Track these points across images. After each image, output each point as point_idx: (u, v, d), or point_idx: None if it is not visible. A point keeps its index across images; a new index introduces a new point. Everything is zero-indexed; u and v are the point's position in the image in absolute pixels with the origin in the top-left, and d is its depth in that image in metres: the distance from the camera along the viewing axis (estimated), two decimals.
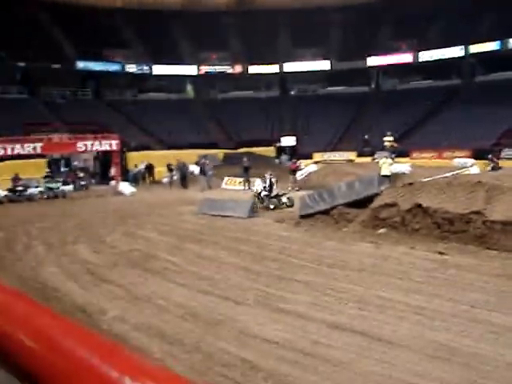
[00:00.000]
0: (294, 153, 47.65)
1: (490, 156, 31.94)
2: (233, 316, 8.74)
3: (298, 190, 27.18)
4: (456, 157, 38.92)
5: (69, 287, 11.14)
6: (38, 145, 30.70)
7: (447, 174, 18.86)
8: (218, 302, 9.51)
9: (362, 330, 7.80)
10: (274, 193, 22.41)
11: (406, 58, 55.69)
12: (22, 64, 49.40)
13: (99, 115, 47.37)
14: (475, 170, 26.49)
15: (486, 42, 50.23)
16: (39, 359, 0.69)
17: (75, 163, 39.41)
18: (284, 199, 22.29)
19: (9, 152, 29.88)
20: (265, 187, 22.54)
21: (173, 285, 10.92)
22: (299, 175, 32.69)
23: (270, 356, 7.06)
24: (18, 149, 29.89)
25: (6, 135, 33.03)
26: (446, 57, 52.95)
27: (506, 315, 8.13)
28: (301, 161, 33.93)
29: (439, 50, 52.98)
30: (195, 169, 36.78)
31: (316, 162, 41.53)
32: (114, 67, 55.22)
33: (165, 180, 36.74)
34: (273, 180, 22.52)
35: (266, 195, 22.27)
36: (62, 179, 33.98)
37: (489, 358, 6.66)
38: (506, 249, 12.09)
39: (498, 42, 50.13)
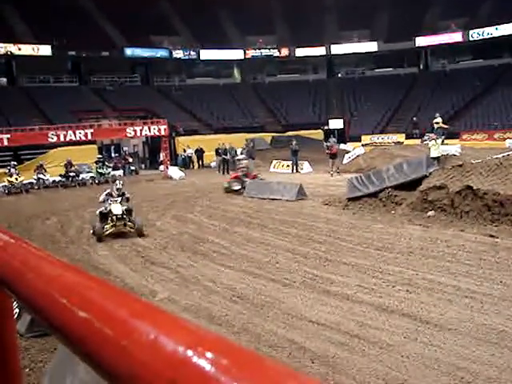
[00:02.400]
0: (343, 135, 47.33)
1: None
2: (280, 298, 8.83)
3: (338, 173, 26.90)
4: (508, 138, 37.97)
5: (120, 269, 11.44)
6: (89, 131, 31.35)
7: (498, 156, 18.45)
8: (265, 284, 9.62)
9: (409, 313, 7.78)
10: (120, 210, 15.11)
11: (455, 37, 54.24)
12: (72, 53, 50.25)
13: (148, 101, 47.86)
14: None
15: None
16: (92, 330, 0.73)
17: (125, 149, 40.01)
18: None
19: (61, 139, 30.63)
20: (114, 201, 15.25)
21: (221, 267, 11.07)
22: (347, 158, 32.47)
23: (317, 337, 7.12)
24: (70, 135, 30.60)
25: (58, 122, 33.88)
26: (498, 34, 51.34)
27: None
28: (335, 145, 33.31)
29: (490, 27, 51.38)
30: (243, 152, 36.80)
31: (364, 145, 41.14)
32: (161, 53, 55.58)
33: (213, 164, 36.97)
34: (127, 194, 15.80)
35: (118, 216, 14.99)
36: (112, 165, 34.63)
37: None
38: None
39: None
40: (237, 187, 22.67)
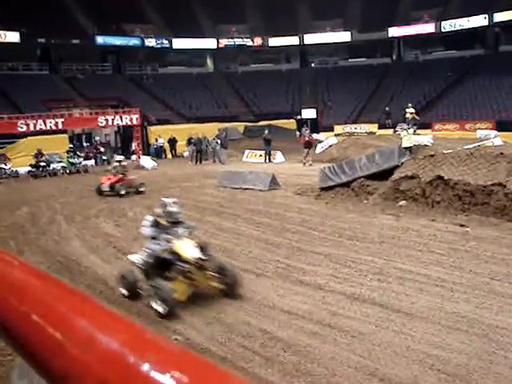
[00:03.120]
0: (315, 125, 47.44)
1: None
2: (253, 287, 8.82)
3: (310, 165, 26.94)
4: (479, 128, 38.44)
5: (91, 260, 11.32)
6: (60, 120, 30.87)
7: (469, 146, 18.66)
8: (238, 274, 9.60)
9: (381, 302, 7.84)
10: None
11: (428, 28, 54.61)
12: (41, 40, 49.37)
13: (119, 90, 47.40)
14: (498, 141, 26.14)
15: (510, 9, 48.95)
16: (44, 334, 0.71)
17: (97, 138, 39.55)
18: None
19: (31, 128, 30.11)
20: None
21: None
22: (319, 148, 32.55)
23: (290, 327, 7.14)
24: (41, 125, 30.10)
25: (28, 111, 33.31)
26: (470, 26, 51.88)
27: None
28: (313, 134, 33.28)
29: (462, 19, 51.87)
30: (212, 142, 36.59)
31: (336, 135, 41.27)
32: (133, 42, 54.95)
33: (186, 154, 36.79)
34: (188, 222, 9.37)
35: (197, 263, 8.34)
36: (83, 154, 34.25)
37: (508, 330, 6.67)
38: None
39: None
40: (123, 191, 20.64)
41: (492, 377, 5.64)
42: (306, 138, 28.81)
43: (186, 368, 0.55)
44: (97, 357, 0.58)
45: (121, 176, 21.44)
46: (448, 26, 53.29)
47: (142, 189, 21.42)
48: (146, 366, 0.54)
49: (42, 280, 0.80)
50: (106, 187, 21.00)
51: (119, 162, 22.36)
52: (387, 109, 47.00)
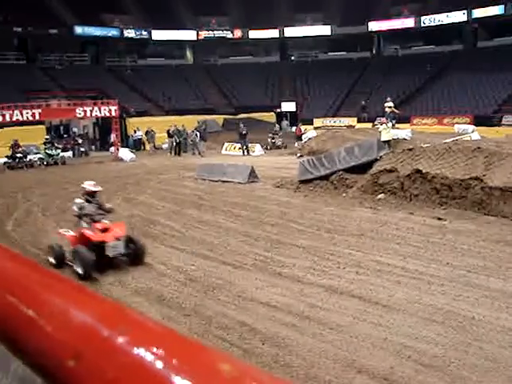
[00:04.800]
0: (295, 118, 47.47)
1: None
2: (231, 280, 8.82)
3: (300, 157, 26.95)
4: (457, 123, 38.73)
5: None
6: (37, 111, 30.48)
7: (447, 140, 18.81)
8: (216, 267, 9.60)
9: (359, 294, 7.88)
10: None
11: (407, 22, 54.92)
12: (18, 29, 48.64)
13: (98, 81, 46.93)
14: (476, 136, 26.36)
15: (489, 6, 49.44)
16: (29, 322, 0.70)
17: (74, 130, 39.18)
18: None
19: (7, 118, 29.69)
20: None
21: (172, 249, 11.00)
22: (303, 140, 32.60)
23: (268, 319, 7.14)
24: (17, 115, 29.69)
25: (4, 102, 32.85)
26: (449, 21, 52.26)
27: (502, 280, 8.21)
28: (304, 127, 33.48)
29: (441, 14, 52.25)
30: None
31: (316, 128, 41.30)
32: (112, 32, 54.40)
33: (165, 146, 36.62)
34: None
35: None
36: (61, 146, 33.86)
37: (484, 322, 6.75)
38: (504, 215, 12.14)
39: (501, 7, 49.23)
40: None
41: (468, 368, 5.70)
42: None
43: (163, 341, 0.56)
44: (72, 332, 0.58)
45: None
46: (427, 21, 53.62)
47: None
48: (121, 339, 0.54)
49: (13, 260, 0.78)
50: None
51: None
52: (363, 102, 47.24)
